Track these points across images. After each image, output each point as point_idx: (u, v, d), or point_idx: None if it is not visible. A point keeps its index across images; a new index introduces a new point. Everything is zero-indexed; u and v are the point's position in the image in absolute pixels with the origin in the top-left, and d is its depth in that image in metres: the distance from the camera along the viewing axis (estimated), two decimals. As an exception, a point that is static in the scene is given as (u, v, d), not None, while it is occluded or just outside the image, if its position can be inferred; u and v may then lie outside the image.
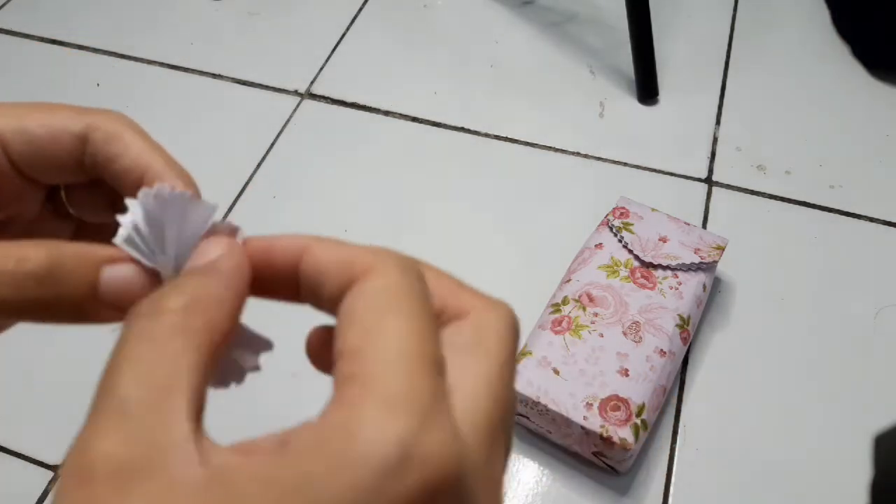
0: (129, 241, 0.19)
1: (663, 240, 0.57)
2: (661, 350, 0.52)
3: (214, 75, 0.79)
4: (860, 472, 0.51)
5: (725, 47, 0.78)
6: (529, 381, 0.51)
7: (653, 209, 0.59)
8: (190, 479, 0.14)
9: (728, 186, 0.67)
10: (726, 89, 0.75)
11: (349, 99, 0.76)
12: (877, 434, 0.34)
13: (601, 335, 0.52)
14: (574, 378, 0.50)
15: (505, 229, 0.66)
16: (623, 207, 0.59)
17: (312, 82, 0.78)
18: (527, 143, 0.71)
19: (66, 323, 0.19)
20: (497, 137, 0.72)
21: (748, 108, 0.73)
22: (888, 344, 0.57)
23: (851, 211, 0.65)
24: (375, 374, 0.16)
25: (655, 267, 0.56)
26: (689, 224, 0.58)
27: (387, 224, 0.66)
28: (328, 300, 0.18)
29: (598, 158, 0.70)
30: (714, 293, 0.60)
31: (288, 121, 0.74)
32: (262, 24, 0.84)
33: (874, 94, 0.73)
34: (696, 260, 0.55)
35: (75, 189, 0.23)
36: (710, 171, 0.69)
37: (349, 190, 0.69)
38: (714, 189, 0.67)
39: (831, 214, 0.65)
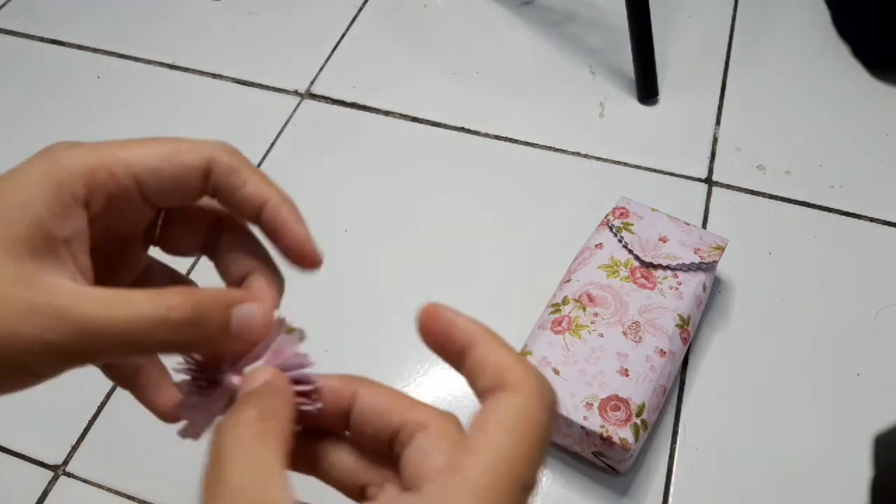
0: (185, 370, 0.24)
1: (663, 240, 0.57)
2: (661, 350, 0.51)
3: (214, 75, 0.79)
4: (860, 472, 0.51)
5: (725, 47, 0.78)
6: None
7: (653, 209, 0.59)
8: None
9: (728, 186, 0.67)
10: (726, 89, 0.75)
11: (349, 99, 0.76)
12: (877, 434, 0.34)
13: (601, 335, 0.52)
14: (574, 378, 0.50)
15: (505, 229, 0.66)
16: (623, 207, 0.59)
17: (312, 82, 0.78)
18: (527, 143, 0.71)
19: (199, 354, 0.24)
20: (497, 137, 0.72)
21: (748, 108, 0.73)
22: (888, 344, 0.57)
23: (851, 211, 0.65)
24: (478, 482, 0.19)
25: (655, 267, 0.55)
26: (689, 224, 0.58)
27: (386, 224, 0.66)
28: (479, 390, 0.22)
29: (598, 158, 0.70)
30: (714, 293, 0.60)
31: (288, 121, 0.74)
32: (262, 24, 0.84)
33: (874, 94, 0.73)
34: (696, 260, 0.55)
35: (174, 225, 0.27)
36: (710, 171, 0.69)
37: (349, 190, 0.69)
38: (714, 189, 0.67)
39: (831, 214, 0.65)
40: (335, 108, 0.76)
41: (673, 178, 0.68)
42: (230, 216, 0.26)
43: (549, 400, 0.22)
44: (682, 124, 0.72)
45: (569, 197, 0.67)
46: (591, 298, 0.54)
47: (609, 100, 0.75)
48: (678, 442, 0.53)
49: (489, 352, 0.23)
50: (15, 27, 0.85)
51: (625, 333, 0.52)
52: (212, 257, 0.27)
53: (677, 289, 0.54)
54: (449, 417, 0.23)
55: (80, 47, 0.83)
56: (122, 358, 0.23)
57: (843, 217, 0.65)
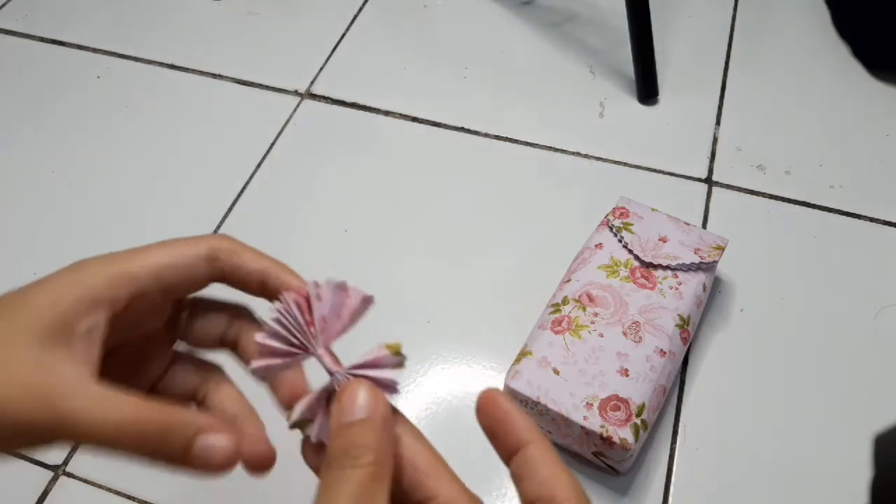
0: (277, 321, 0.27)
1: (663, 240, 0.57)
2: (661, 350, 0.51)
3: (214, 75, 0.79)
4: (860, 472, 0.51)
5: (725, 47, 0.78)
6: (529, 382, 0.50)
7: (653, 209, 0.59)
8: None
9: (728, 186, 0.67)
10: (726, 89, 0.75)
11: (349, 99, 0.76)
12: (877, 434, 0.34)
13: (601, 335, 0.52)
14: (574, 378, 0.50)
15: (505, 229, 0.66)
16: (623, 207, 0.59)
17: (312, 82, 0.78)
18: (527, 143, 0.71)
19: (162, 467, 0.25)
20: (497, 137, 0.72)
21: (748, 108, 0.73)
22: (888, 344, 0.57)
23: (851, 211, 0.65)
24: None
25: (655, 267, 0.55)
26: (689, 224, 0.58)
27: (386, 224, 0.66)
28: (526, 494, 0.25)
29: (598, 158, 0.70)
30: (714, 293, 0.60)
31: (288, 121, 0.74)
32: (262, 24, 0.84)
33: (874, 94, 0.73)
34: (696, 260, 0.55)
35: (195, 321, 0.30)
36: (710, 171, 0.69)
37: (349, 190, 0.69)
38: (714, 189, 0.67)
39: (831, 214, 0.65)
40: (335, 108, 0.76)
41: (673, 178, 0.68)
42: (247, 311, 0.31)
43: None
44: (682, 124, 0.72)
45: (569, 197, 0.67)
46: (591, 298, 0.54)
47: (609, 100, 0.75)
48: (678, 442, 0.53)
49: (541, 459, 0.25)
50: (15, 27, 0.85)
51: (625, 333, 0.52)
52: (232, 349, 0.31)
53: (677, 289, 0.54)
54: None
55: (80, 47, 0.83)
56: (95, 450, 0.25)
57: (843, 217, 0.65)
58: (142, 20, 0.85)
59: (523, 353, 0.52)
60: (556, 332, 0.53)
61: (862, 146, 0.70)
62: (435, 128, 0.73)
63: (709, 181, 0.68)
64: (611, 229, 0.58)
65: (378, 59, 0.80)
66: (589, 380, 0.50)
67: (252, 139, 0.73)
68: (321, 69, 0.79)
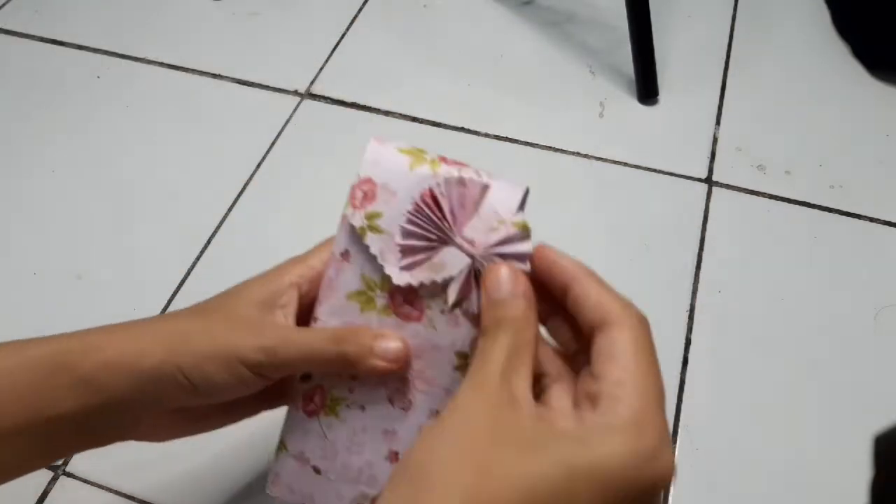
0: (411, 222, 0.33)
1: None
2: (437, 413, 0.36)
3: (214, 75, 0.79)
4: (860, 472, 0.51)
5: (725, 47, 0.78)
6: (290, 487, 0.38)
7: (411, 152, 0.37)
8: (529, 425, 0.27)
9: (728, 186, 0.67)
10: (726, 89, 0.75)
11: (349, 99, 0.76)
12: (877, 434, 0.34)
13: (362, 408, 0.37)
14: (339, 474, 0.37)
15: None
16: (367, 179, 0.36)
17: (312, 82, 0.78)
18: (527, 143, 0.71)
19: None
20: (497, 137, 0.72)
21: (748, 108, 0.73)
22: (888, 344, 0.57)
23: (851, 211, 0.65)
24: (637, 406, 0.26)
25: (419, 288, 0.34)
26: (469, 178, 0.34)
27: (387, 224, 0.66)
28: (585, 325, 0.29)
29: (598, 158, 0.70)
30: (714, 293, 0.60)
31: (288, 121, 0.74)
32: (262, 24, 0.84)
33: (874, 94, 0.73)
34: (482, 253, 0.32)
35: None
36: (710, 171, 0.69)
37: (349, 190, 0.69)
38: (714, 189, 0.67)
39: (831, 214, 0.65)
40: (335, 108, 0.76)
41: (673, 178, 0.68)
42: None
43: (647, 325, 0.29)
44: (682, 124, 0.72)
45: (569, 197, 0.67)
46: None
47: (609, 100, 0.75)
48: (678, 442, 0.53)
49: (588, 289, 0.29)
50: (15, 27, 0.85)
51: (390, 399, 0.36)
52: None
53: (452, 312, 0.34)
54: (642, 321, 0.29)
55: (80, 47, 0.83)
56: (298, 370, 0.36)
57: (843, 217, 0.65)
58: (142, 20, 0.85)
59: (280, 446, 0.39)
60: (309, 414, 0.37)
61: (862, 146, 0.70)
62: (435, 128, 0.73)
63: (709, 181, 0.68)
64: (352, 231, 0.36)
65: (378, 59, 0.80)
66: (355, 475, 0.37)
67: (252, 139, 0.73)
68: (321, 69, 0.79)
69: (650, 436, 0.25)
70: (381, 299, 0.36)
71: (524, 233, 0.31)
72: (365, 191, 0.36)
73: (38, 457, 0.37)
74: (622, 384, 0.27)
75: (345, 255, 0.36)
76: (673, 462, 0.26)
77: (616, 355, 0.27)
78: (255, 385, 0.34)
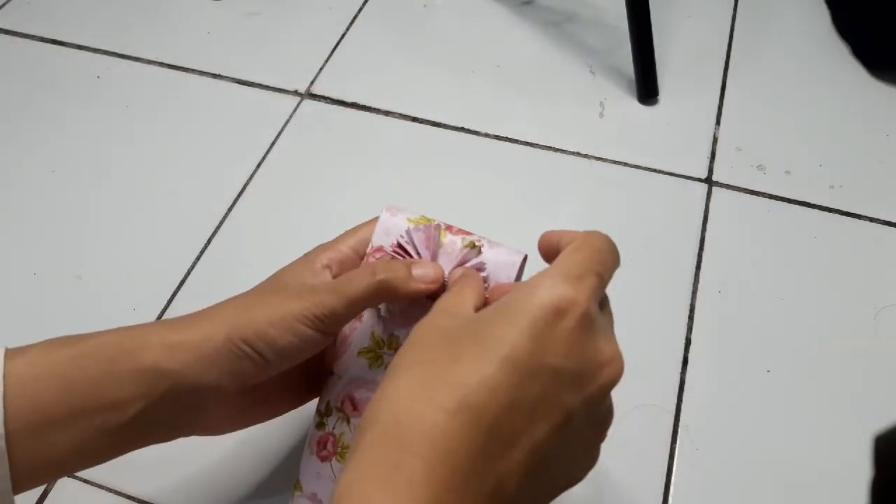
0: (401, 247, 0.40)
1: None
2: None
3: (214, 75, 0.79)
4: (860, 472, 0.51)
5: (725, 47, 0.78)
6: None
7: (418, 221, 0.41)
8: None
9: (728, 186, 0.67)
10: (726, 89, 0.75)
11: (349, 99, 0.76)
12: (877, 434, 0.34)
13: None
14: None
15: (504, 229, 0.65)
16: (379, 248, 0.41)
17: (312, 82, 0.78)
18: (527, 143, 0.71)
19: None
20: (497, 137, 0.72)
21: (748, 108, 0.73)
22: (888, 344, 0.57)
23: (851, 211, 0.65)
24: (567, 266, 0.33)
25: None
26: (470, 245, 0.40)
27: (387, 224, 0.66)
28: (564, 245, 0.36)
29: (598, 158, 0.70)
30: (714, 293, 0.60)
31: (288, 121, 0.74)
32: (262, 24, 0.84)
33: (874, 94, 0.73)
34: None
35: None
36: (710, 171, 0.69)
37: (349, 190, 0.69)
38: (714, 189, 0.67)
39: (831, 214, 0.65)
40: (335, 108, 0.76)
41: (673, 178, 0.68)
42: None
43: (603, 235, 0.36)
44: (682, 124, 0.72)
45: (569, 197, 0.67)
46: (354, 405, 0.40)
47: (609, 100, 0.75)
48: (678, 442, 0.53)
49: (568, 238, 0.35)
50: (15, 27, 0.85)
51: None
52: None
53: None
54: (601, 234, 0.36)
55: (80, 47, 0.83)
56: (350, 315, 0.38)
57: (843, 217, 0.65)
58: (142, 20, 0.85)
59: (296, 486, 0.42)
60: (322, 459, 0.41)
61: (862, 146, 0.70)
62: (435, 128, 0.73)
63: (709, 181, 0.68)
64: None
65: (378, 59, 0.80)
66: None
67: (252, 139, 0.73)
68: (321, 69, 0.79)
69: (560, 282, 0.31)
70: (388, 357, 0.40)
71: (474, 251, 0.39)
72: (377, 258, 0.41)
73: (100, 448, 0.36)
74: (562, 259, 0.33)
75: (358, 314, 0.40)
76: (584, 303, 0.31)
77: (568, 241, 0.35)
78: (315, 343, 0.37)
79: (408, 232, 0.40)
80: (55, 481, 0.53)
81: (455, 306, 0.34)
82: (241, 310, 0.37)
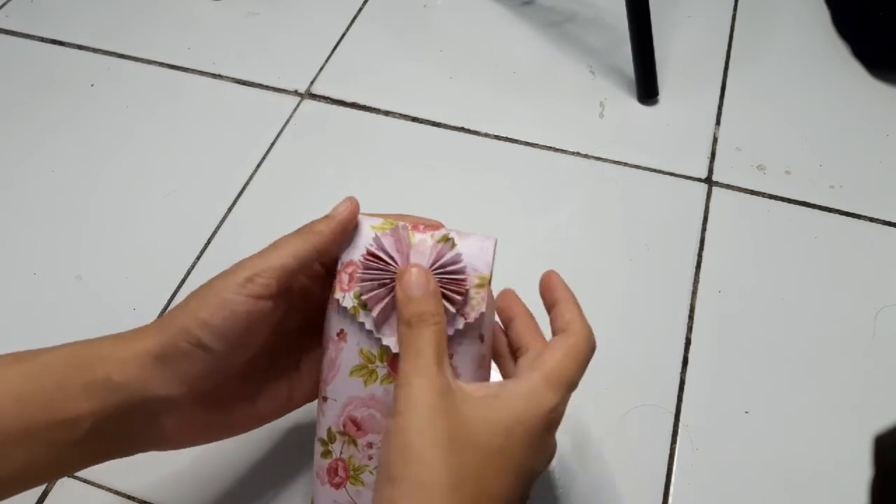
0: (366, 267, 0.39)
1: None
2: None
3: (214, 75, 0.79)
4: (860, 472, 0.51)
5: (725, 47, 0.78)
6: None
7: (382, 227, 0.41)
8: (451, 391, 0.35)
9: (728, 186, 0.67)
10: (726, 89, 0.75)
11: (349, 99, 0.76)
12: (877, 434, 0.34)
13: None
14: None
15: (504, 229, 0.66)
16: (350, 262, 0.40)
17: (312, 82, 0.78)
18: (527, 143, 0.71)
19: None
20: (497, 137, 0.72)
21: (748, 108, 0.73)
22: (888, 344, 0.57)
23: (851, 211, 0.65)
24: (555, 375, 0.36)
25: None
26: (403, 225, 0.40)
27: (387, 224, 0.66)
28: (553, 329, 0.40)
29: (598, 158, 0.70)
30: (714, 293, 0.60)
31: (288, 121, 0.74)
32: (262, 24, 0.84)
33: (874, 94, 0.73)
34: (461, 325, 0.38)
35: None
36: (710, 171, 0.69)
37: (349, 190, 0.69)
38: (714, 189, 0.67)
39: (831, 214, 0.65)
40: (335, 108, 0.76)
41: (673, 178, 0.68)
42: None
43: (592, 342, 0.38)
44: (682, 124, 0.72)
45: (569, 197, 0.67)
46: (357, 425, 0.40)
47: (609, 100, 0.75)
48: (678, 442, 0.54)
49: (566, 308, 0.39)
50: (15, 27, 0.85)
51: None
52: None
53: (455, 369, 0.39)
54: (589, 340, 0.38)
55: (80, 47, 0.83)
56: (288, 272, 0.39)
57: (843, 217, 0.65)
58: (142, 20, 0.85)
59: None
60: (336, 486, 0.40)
61: (862, 146, 0.70)
62: (435, 128, 0.73)
63: (709, 181, 0.68)
64: (344, 313, 0.39)
65: (378, 59, 0.80)
66: None
67: (252, 139, 0.73)
68: (321, 69, 0.79)
69: (553, 395, 0.35)
70: (381, 370, 0.39)
71: (448, 244, 0.39)
72: (350, 273, 0.40)
73: (53, 464, 0.35)
74: (545, 363, 0.36)
75: (340, 334, 0.39)
76: (562, 412, 0.36)
77: (557, 348, 0.37)
78: (251, 318, 0.37)
79: (375, 239, 0.39)
80: (54, 482, 0.53)
81: (447, 373, 0.36)
82: (179, 309, 0.37)
